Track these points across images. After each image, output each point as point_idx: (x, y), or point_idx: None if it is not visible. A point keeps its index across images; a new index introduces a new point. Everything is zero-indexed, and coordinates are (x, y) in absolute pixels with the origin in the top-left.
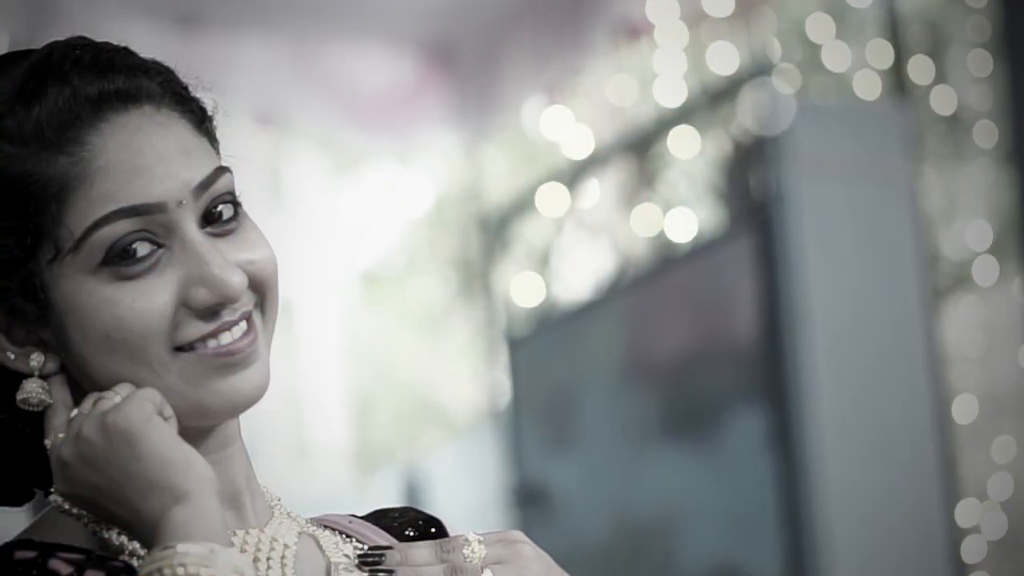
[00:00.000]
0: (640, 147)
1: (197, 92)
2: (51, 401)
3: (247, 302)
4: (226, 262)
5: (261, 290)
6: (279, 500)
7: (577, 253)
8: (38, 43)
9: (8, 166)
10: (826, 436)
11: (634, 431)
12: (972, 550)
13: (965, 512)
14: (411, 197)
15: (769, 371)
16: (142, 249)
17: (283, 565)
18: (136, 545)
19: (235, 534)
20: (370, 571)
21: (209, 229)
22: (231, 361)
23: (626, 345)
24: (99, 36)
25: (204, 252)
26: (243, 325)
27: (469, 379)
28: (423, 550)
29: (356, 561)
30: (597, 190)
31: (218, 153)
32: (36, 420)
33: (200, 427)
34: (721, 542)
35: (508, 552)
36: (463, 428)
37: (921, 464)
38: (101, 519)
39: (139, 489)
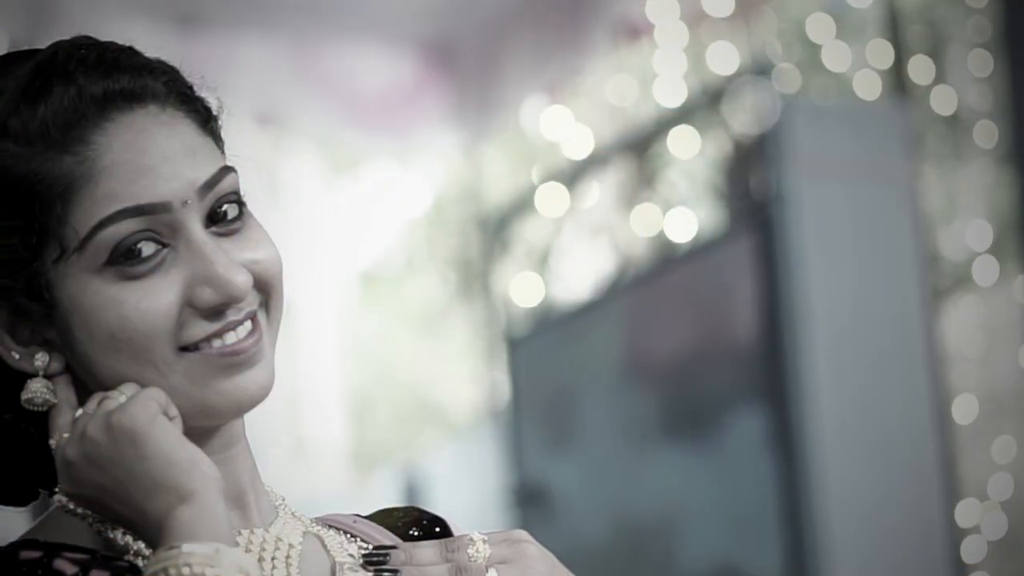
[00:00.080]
0: (640, 147)
1: (201, 92)
2: (56, 401)
3: (252, 302)
4: (231, 262)
5: (266, 290)
6: (284, 500)
7: (577, 253)
8: (38, 43)
9: (13, 165)
10: (826, 436)
11: (634, 431)
12: (972, 550)
13: (965, 512)
14: (410, 197)
15: (769, 371)
16: (147, 249)
17: (288, 565)
18: (141, 545)
19: (240, 534)
20: (375, 571)
21: (214, 229)
22: (236, 361)
23: (626, 345)
24: (99, 36)
25: (209, 252)
26: (248, 325)
27: (468, 379)
28: (428, 550)
29: (361, 561)
30: (597, 190)
31: (223, 153)
32: (41, 420)
33: (205, 427)
34: (721, 542)
35: (513, 552)
36: (463, 428)
37: (921, 464)
38: (106, 519)
39: (144, 489)
